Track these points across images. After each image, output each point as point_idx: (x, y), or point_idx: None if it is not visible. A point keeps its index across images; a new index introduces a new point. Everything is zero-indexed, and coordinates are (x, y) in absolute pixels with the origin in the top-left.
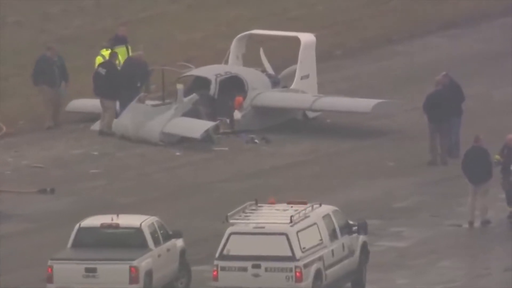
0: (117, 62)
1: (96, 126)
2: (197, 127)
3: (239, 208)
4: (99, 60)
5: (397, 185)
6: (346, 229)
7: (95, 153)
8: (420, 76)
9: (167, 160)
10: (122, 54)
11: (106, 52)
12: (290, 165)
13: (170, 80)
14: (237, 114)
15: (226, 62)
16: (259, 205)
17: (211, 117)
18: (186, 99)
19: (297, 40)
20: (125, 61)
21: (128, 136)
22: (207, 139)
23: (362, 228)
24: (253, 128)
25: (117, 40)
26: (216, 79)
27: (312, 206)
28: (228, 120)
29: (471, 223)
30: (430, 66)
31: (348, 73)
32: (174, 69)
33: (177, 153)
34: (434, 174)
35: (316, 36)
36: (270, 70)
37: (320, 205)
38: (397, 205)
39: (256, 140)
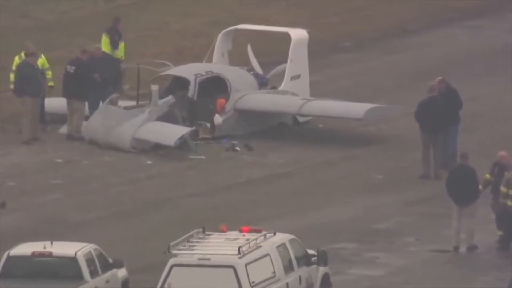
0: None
1: (64, 129)
2: (172, 133)
3: (184, 236)
4: (105, 43)
5: (382, 203)
6: (304, 259)
7: (59, 160)
8: (431, 73)
9: (136, 170)
10: (122, 50)
11: (106, 41)
12: (269, 177)
13: (147, 79)
14: (218, 118)
15: (209, 60)
16: (207, 233)
17: (189, 122)
18: (161, 102)
19: (288, 36)
20: (91, 59)
21: (97, 141)
22: (184, 146)
23: (322, 259)
24: (236, 133)
25: (120, 35)
26: (195, 80)
27: (265, 235)
28: (208, 125)
29: (456, 248)
30: (445, 61)
31: (353, 68)
32: (150, 68)
33: (148, 162)
34: (425, 189)
35: (309, 32)
36: (258, 69)
37: (275, 233)
38: (377, 226)
39: (237, 148)
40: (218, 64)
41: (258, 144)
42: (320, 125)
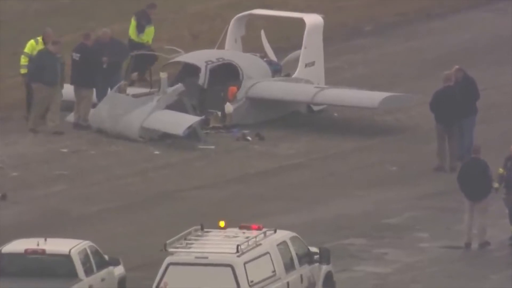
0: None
1: (71, 117)
2: (181, 122)
3: (181, 234)
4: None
5: (393, 196)
6: (306, 258)
7: (65, 150)
8: (453, 59)
9: (143, 160)
10: (150, 35)
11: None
12: (279, 169)
13: (157, 66)
14: (229, 107)
15: (221, 46)
16: (205, 230)
17: (199, 110)
18: (170, 90)
19: (303, 22)
20: (95, 44)
21: (105, 130)
22: (193, 135)
23: (325, 257)
24: (248, 122)
25: (148, 19)
26: (206, 67)
27: (265, 232)
28: (219, 114)
29: (467, 245)
30: (468, 47)
31: (373, 54)
32: (160, 54)
33: (156, 152)
34: (439, 183)
35: (324, 18)
36: (272, 56)
37: (275, 231)
38: (387, 221)
39: (248, 137)
40: (230, 50)
41: (270, 134)
42: (335, 114)
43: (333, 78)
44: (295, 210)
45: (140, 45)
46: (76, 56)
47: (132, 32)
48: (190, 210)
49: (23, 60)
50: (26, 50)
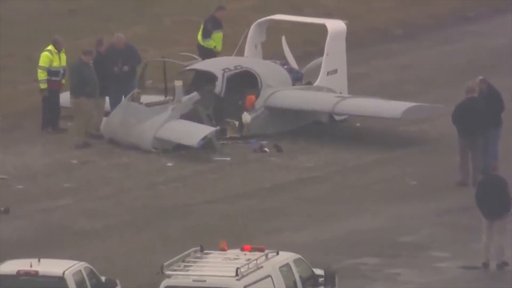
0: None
1: None
2: (195, 133)
3: (180, 256)
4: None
5: (412, 212)
6: (310, 281)
7: (74, 161)
8: (486, 66)
9: (155, 172)
10: (218, 41)
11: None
12: (295, 183)
13: (173, 73)
14: (246, 117)
15: (240, 53)
16: (205, 251)
17: (216, 120)
18: (185, 98)
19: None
20: (108, 50)
21: (117, 140)
22: (208, 146)
23: (330, 280)
24: (267, 133)
25: (216, 23)
26: (223, 75)
27: (267, 254)
28: (236, 123)
29: (485, 265)
30: (501, 54)
31: (402, 60)
32: (175, 61)
33: (169, 164)
34: (460, 198)
35: (347, 24)
36: (293, 63)
37: (277, 253)
38: (403, 239)
39: (265, 149)
40: (248, 58)
41: (289, 145)
42: (358, 124)
43: (358, 85)
44: (308, 226)
45: (209, 51)
46: None
47: (200, 36)
48: (199, 226)
49: (42, 75)
50: (43, 64)
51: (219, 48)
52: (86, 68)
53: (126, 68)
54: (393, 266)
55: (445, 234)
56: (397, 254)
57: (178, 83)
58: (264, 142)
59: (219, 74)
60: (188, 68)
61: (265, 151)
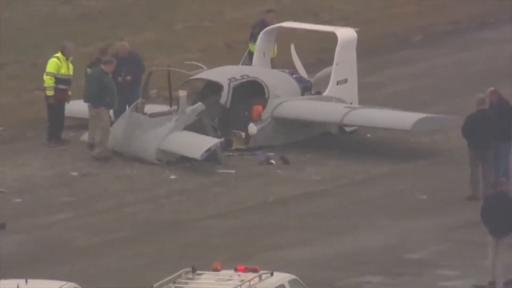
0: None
1: (86, 137)
2: (199, 145)
3: (170, 277)
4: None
5: (420, 228)
6: None
7: (75, 173)
8: (503, 74)
9: (157, 185)
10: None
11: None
12: (301, 196)
13: (178, 82)
14: (252, 128)
15: (246, 62)
16: (197, 272)
17: (221, 131)
18: (189, 109)
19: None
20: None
21: (120, 151)
22: (213, 158)
23: None
24: (274, 144)
25: (261, 27)
26: (229, 84)
27: (261, 275)
28: (243, 135)
29: (491, 283)
30: None
31: (418, 67)
32: (180, 71)
33: (172, 177)
34: (470, 213)
35: (357, 32)
36: (303, 72)
37: (272, 274)
38: (410, 256)
39: (272, 161)
40: (255, 66)
41: (296, 157)
42: (368, 135)
43: (372, 93)
44: (313, 242)
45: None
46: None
47: (251, 45)
48: (201, 242)
49: (49, 81)
50: (52, 70)
51: (271, 54)
52: (106, 78)
53: (129, 78)
54: (398, 284)
55: (454, 251)
56: (403, 273)
57: (182, 93)
58: (270, 154)
59: (225, 83)
60: (193, 77)
61: (272, 163)
